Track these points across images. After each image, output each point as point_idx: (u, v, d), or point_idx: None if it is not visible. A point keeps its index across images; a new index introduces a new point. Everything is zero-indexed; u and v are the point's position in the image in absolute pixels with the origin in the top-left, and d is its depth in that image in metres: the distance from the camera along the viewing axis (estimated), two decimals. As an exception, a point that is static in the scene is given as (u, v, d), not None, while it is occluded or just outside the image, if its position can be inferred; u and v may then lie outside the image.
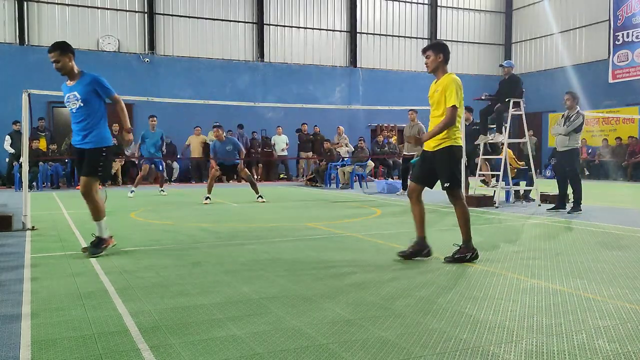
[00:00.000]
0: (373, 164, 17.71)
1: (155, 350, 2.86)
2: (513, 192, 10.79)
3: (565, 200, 9.31)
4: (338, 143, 17.93)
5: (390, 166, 19.30)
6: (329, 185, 16.42)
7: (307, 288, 4.15)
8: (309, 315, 3.46)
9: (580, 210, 8.90)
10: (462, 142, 5.22)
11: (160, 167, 13.56)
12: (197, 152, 18.35)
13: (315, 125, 19.70)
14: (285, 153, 19.56)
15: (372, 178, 18.09)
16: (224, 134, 12.03)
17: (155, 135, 13.07)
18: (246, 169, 11.84)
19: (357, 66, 22.56)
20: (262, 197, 11.35)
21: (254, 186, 11.62)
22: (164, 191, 13.30)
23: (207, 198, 11.10)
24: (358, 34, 22.66)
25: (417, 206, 5.25)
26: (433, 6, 24.00)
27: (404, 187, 12.75)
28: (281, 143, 19.48)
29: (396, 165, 18.77)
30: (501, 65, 10.70)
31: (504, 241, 6.32)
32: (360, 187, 15.73)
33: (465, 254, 5.05)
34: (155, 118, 13.29)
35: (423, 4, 23.90)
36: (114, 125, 17.44)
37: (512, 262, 5.07)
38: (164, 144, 13.66)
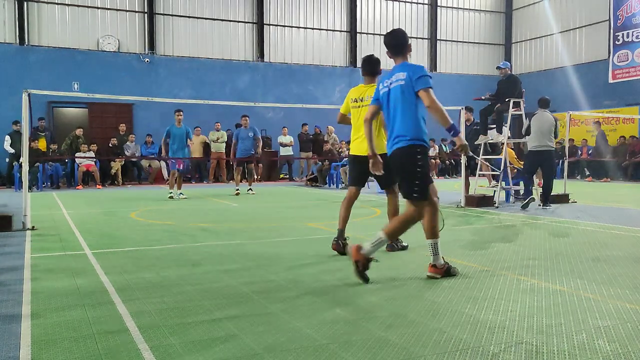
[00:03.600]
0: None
1: (155, 350, 2.86)
2: (513, 192, 10.79)
3: (529, 191, 9.71)
4: (333, 143, 17.90)
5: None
6: (329, 185, 16.42)
7: (307, 288, 4.15)
8: (309, 315, 3.46)
9: (527, 205, 9.46)
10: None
11: (182, 167, 12.48)
12: (197, 152, 18.32)
13: (316, 126, 19.69)
14: (291, 152, 19.59)
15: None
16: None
17: (181, 130, 12.09)
18: (253, 165, 13.76)
19: (357, 66, 22.52)
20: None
21: (251, 178, 13.51)
22: (182, 194, 12.23)
23: (238, 190, 13.15)
24: (358, 34, 22.67)
25: None
26: (433, 6, 23.99)
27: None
28: (288, 143, 19.53)
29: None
30: (498, 68, 10.78)
31: (503, 241, 6.32)
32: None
33: None
34: (181, 112, 12.21)
35: (423, 4, 23.90)
36: (121, 125, 17.55)
37: (512, 262, 5.06)
38: (188, 141, 12.71)
